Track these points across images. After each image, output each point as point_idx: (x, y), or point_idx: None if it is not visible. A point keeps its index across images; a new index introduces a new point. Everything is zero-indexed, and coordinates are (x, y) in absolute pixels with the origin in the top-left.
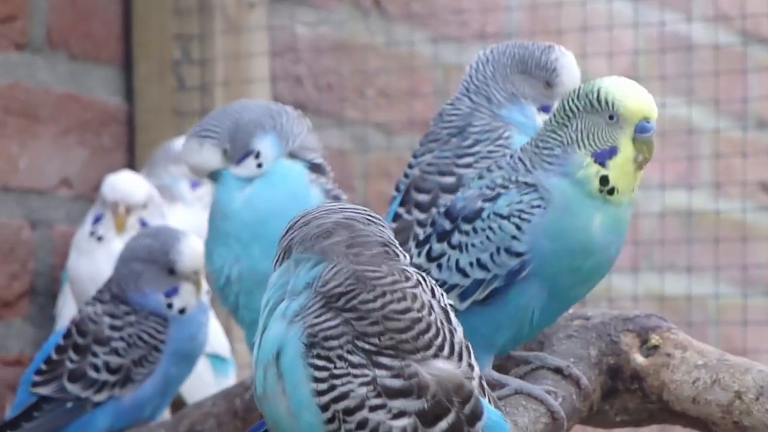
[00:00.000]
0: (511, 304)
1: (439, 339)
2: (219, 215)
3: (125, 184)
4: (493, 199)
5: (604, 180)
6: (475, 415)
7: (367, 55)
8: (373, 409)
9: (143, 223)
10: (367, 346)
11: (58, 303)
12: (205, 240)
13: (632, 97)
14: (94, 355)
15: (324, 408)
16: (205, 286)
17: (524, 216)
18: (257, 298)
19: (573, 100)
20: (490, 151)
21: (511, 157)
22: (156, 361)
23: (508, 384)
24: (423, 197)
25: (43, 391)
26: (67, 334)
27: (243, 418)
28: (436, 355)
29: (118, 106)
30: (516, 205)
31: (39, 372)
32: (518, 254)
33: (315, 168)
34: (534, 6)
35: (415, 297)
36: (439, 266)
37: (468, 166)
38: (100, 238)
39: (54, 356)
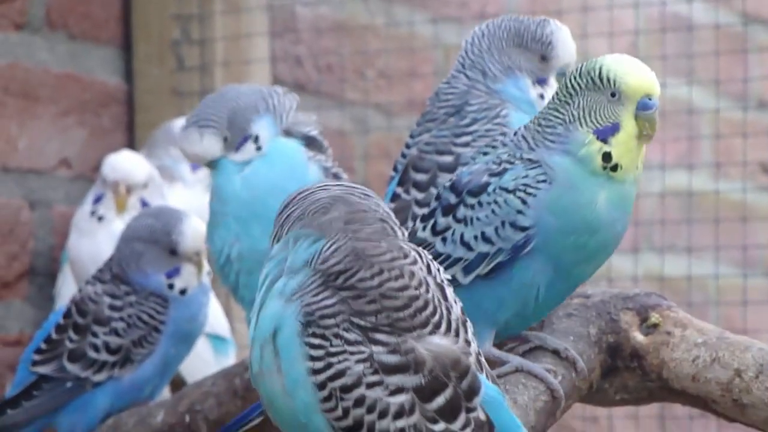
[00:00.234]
0: (515, 279)
1: (436, 317)
2: (218, 199)
3: (126, 163)
4: (499, 174)
5: (606, 157)
6: (473, 390)
7: (367, 36)
8: (370, 386)
9: (144, 203)
10: (363, 323)
11: (58, 283)
12: (207, 223)
13: (634, 74)
14: (94, 335)
15: (320, 386)
16: (206, 267)
17: (530, 190)
18: (257, 278)
19: (575, 78)
20: (487, 130)
21: (515, 134)
22: (156, 342)
23: (509, 361)
24: (421, 177)
25: (43, 370)
26: (67, 314)
27: (243, 397)
28: (432, 333)
29: (117, 87)
30: (522, 179)
31: (39, 351)
32: (523, 228)
33: (311, 143)
34: None
35: (412, 274)
36: (444, 240)
37: (466, 144)
38: (100, 218)
39: (54, 335)
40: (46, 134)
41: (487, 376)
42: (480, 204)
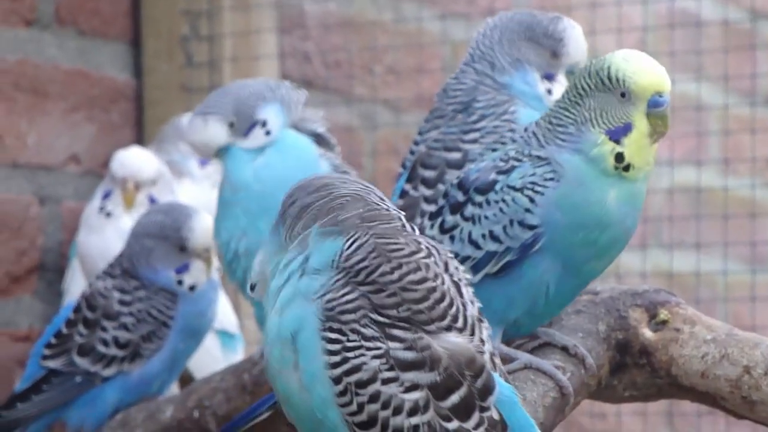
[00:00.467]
0: (524, 278)
1: (453, 309)
2: (229, 187)
3: (135, 160)
4: (506, 172)
5: (619, 157)
6: (487, 389)
7: (375, 32)
8: (385, 382)
9: (152, 200)
10: (381, 319)
11: (66, 278)
12: (214, 216)
13: (643, 72)
14: (104, 329)
15: (336, 381)
16: (215, 263)
17: (537, 188)
18: None
19: (584, 78)
20: (495, 127)
21: (525, 131)
22: (165, 337)
23: (518, 358)
24: (429, 173)
25: (53, 364)
26: (77, 309)
27: (251, 392)
28: (449, 327)
29: (126, 83)
30: (529, 177)
31: (49, 345)
32: (531, 227)
33: (320, 140)
34: None
35: (428, 267)
36: (452, 238)
37: (474, 141)
38: (108, 214)
39: (64, 330)
40: (55, 130)
41: (501, 375)
42: (488, 202)
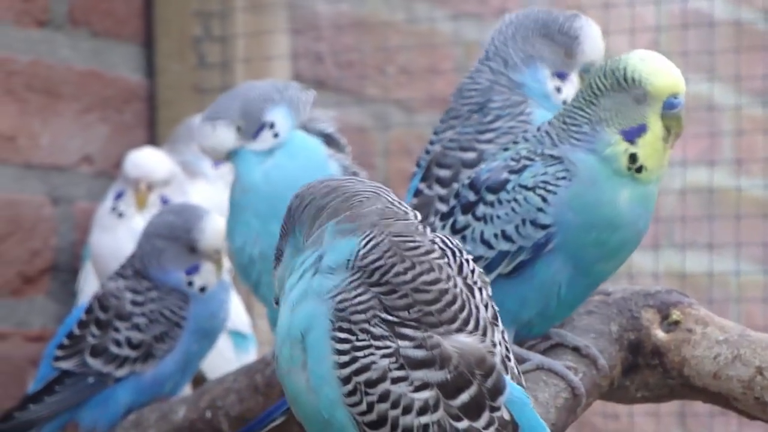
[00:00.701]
0: (537, 277)
1: (464, 313)
2: (239, 189)
3: (147, 160)
4: (518, 171)
5: (633, 158)
6: (497, 390)
7: (387, 33)
8: (395, 381)
9: (164, 200)
10: (391, 318)
11: (79, 279)
12: (227, 220)
13: (659, 74)
14: (116, 330)
15: (345, 380)
16: (226, 264)
17: (549, 188)
18: None
19: (600, 78)
20: (511, 127)
21: (538, 130)
22: (177, 338)
23: (530, 359)
24: (444, 173)
25: (65, 365)
26: (90, 310)
27: (264, 393)
28: (460, 329)
29: (139, 83)
30: (541, 176)
31: (61, 346)
32: (544, 226)
33: (329, 140)
34: None
35: (441, 268)
36: (464, 238)
37: (489, 141)
38: (121, 215)
39: (76, 331)
40: (68, 131)
41: (513, 378)
42: (499, 201)
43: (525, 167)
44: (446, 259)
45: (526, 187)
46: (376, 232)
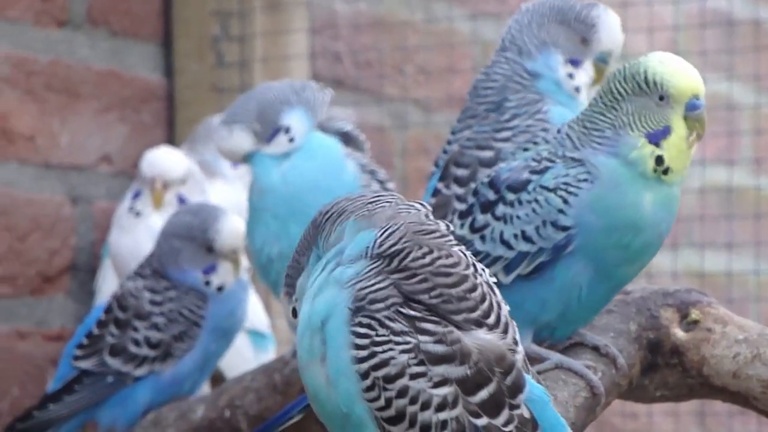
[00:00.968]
0: (557, 279)
1: (486, 304)
2: (257, 192)
3: (163, 159)
4: (540, 172)
5: (659, 160)
6: (517, 387)
7: (406, 32)
8: (413, 376)
9: (181, 199)
10: (411, 312)
11: (98, 278)
12: (246, 221)
13: (680, 76)
14: (135, 329)
15: (364, 375)
16: (244, 263)
17: (571, 189)
18: None
19: (620, 83)
20: (528, 126)
21: (559, 132)
22: (196, 337)
23: (549, 358)
24: (462, 172)
25: (85, 365)
26: (109, 309)
27: (282, 392)
28: (479, 322)
29: (157, 83)
30: (562, 178)
31: (80, 346)
32: (564, 228)
33: (347, 139)
34: None
35: (459, 255)
36: (483, 238)
37: (506, 140)
38: (138, 214)
39: (95, 331)
40: (87, 130)
41: (533, 377)
42: (520, 202)
43: (546, 168)
44: (461, 250)
45: (547, 188)
46: (393, 224)
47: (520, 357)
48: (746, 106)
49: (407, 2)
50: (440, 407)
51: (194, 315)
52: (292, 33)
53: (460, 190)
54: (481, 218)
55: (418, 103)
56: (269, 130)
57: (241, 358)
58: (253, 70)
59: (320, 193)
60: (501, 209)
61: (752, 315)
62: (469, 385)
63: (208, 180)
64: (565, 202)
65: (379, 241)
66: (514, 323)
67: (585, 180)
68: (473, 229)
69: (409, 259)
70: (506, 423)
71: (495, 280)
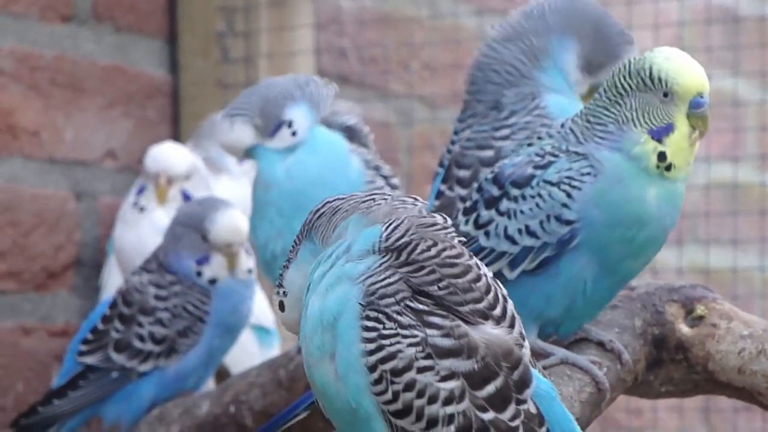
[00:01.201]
0: (562, 274)
1: (491, 295)
2: (261, 186)
3: (166, 155)
4: (543, 167)
5: (661, 156)
6: (524, 382)
7: (411, 28)
8: (421, 370)
9: (185, 195)
10: (419, 306)
11: (103, 274)
12: (249, 217)
13: (685, 73)
14: (140, 325)
15: (372, 368)
16: (243, 263)
17: (574, 184)
18: None
19: (625, 78)
20: (527, 122)
21: (563, 126)
22: (200, 332)
23: (554, 353)
24: (464, 173)
25: (89, 360)
26: (113, 304)
27: (287, 388)
28: (485, 315)
29: (162, 79)
30: (565, 172)
31: (85, 341)
32: (568, 222)
33: (352, 133)
34: None
35: (462, 246)
36: (487, 233)
37: (505, 138)
38: (142, 209)
39: (100, 326)
40: (92, 126)
41: (539, 372)
42: (524, 197)
43: (550, 163)
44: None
45: (550, 183)
46: (396, 217)
47: (527, 352)
48: (752, 102)
49: None
50: (447, 401)
51: (198, 310)
52: (297, 29)
53: (463, 192)
54: (485, 214)
55: (424, 99)
56: (272, 124)
57: (246, 354)
58: (258, 66)
59: (324, 188)
60: (505, 204)
61: (757, 311)
62: (476, 380)
63: (213, 176)
64: (569, 196)
65: (385, 235)
66: (519, 319)
67: (588, 174)
68: (477, 225)
69: (416, 252)
70: (513, 418)
71: (491, 274)
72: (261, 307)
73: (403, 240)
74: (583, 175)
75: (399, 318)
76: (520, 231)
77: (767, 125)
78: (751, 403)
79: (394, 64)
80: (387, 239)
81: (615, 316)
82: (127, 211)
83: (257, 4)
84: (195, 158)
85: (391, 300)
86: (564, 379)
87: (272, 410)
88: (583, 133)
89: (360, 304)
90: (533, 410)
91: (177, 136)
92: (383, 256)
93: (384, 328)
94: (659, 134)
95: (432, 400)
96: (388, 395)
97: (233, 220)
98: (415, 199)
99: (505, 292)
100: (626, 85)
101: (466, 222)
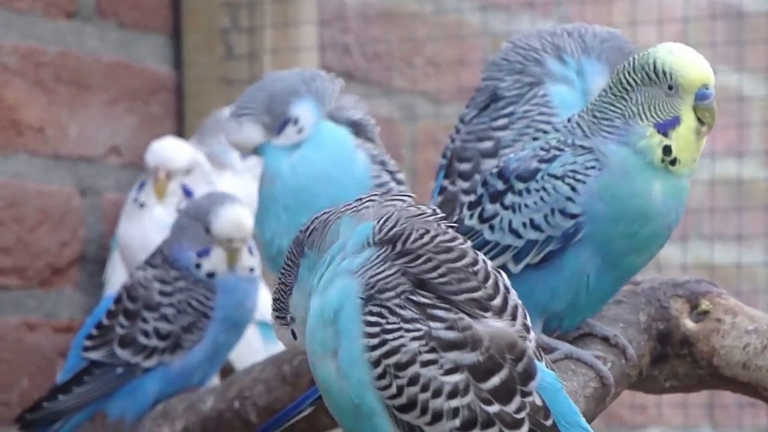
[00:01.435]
0: (566, 268)
1: (490, 282)
2: (267, 182)
3: (166, 149)
4: (548, 161)
5: (666, 150)
6: (528, 375)
7: (415, 24)
8: (424, 364)
9: (186, 190)
10: (422, 300)
11: (107, 270)
12: (255, 213)
13: (689, 65)
14: (144, 320)
15: (375, 363)
16: (245, 261)
17: (579, 177)
18: None
19: (629, 73)
20: (525, 111)
21: (569, 121)
22: (205, 328)
23: (558, 348)
24: (465, 166)
25: (94, 356)
26: (118, 300)
27: (292, 383)
28: (484, 305)
29: (167, 75)
30: (570, 165)
31: (90, 337)
32: (573, 215)
33: (358, 128)
34: None
35: (455, 233)
36: (491, 227)
37: (504, 128)
38: (142, 205)
39: (105, 321)
40: (96, 122)
41: (546, 365)
42: (528, 191)
43: (555, 157)
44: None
45: (555, 176)
46: (386, 212)
47: (531, 344)
48: (756, 98)
49: None
50: (451, 394)
51: (203, 306)
52: (301, 25)
53: (465, 185)
54: (489, 208)
55: (428, 95)
56: (278, 121)
57: (251, 350)
58: (262, 62)
59: (330, 183)
60: (510, 198)
61: (762, 307)
62: (480, 372)
63: (217, 172)
64: (573, 189)
65: (378, 228)
66: (525, 311)
67: (593, 167)
68: (482, 219)
69: (410, 241)
70: (518, 410)
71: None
72: (266, 303)
73: (395, 230)
74: (587, 168)
75: (401, 312)
76: (524, 224)
77: None
78: (756, 398)
79: (398, 60)
80: (380, 231)
81: (620, 311)
82: (129, 207)
83: (261, 0)
84: (196, 153)
85: (392, 294)
86: (568, 374)
87: (276, 406)
88: (589, 127)
89: (361, 298)
90: (539, 403)
91: (181, 132)
92: (379, 248)
93: (387, 323)
94: (665, 127)
95: (436, 393)
96: (393, 390)
97: (236, 215)
98: (405, 196)
99: (507, 281)
100: (631, 80)
101: (471, 216)
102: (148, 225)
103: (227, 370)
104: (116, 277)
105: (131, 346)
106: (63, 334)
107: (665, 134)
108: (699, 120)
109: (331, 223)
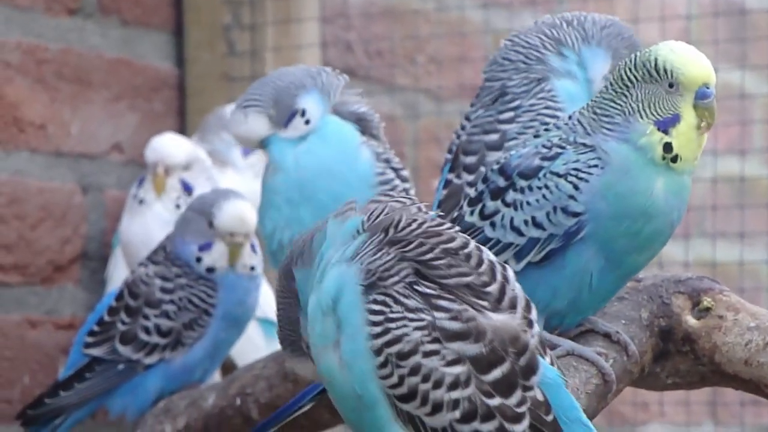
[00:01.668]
0: (568, 267)
1: (484, 266)
2: (271, 172)
3: (164, 145)
4: (551, 158)
5: (667, 147)
6: (531, 369)
7: (417, 21)
8: (426, 354)
9: (186, 186)
10: (427, 290)
11: (109, 267)
12: (258, 207)
13: (690, 64)
14: (146, 317)
15: (377, 352)
16: (246, 258)
17: (581, 175)
18: None
19: (630, 70)
20: (531, 105)
21: (570, 118)
22: (206, 325)
23: (560, 345)
24: (470, 159)
25: (96, 352)
26: (120, 296)
27: (293, 380)
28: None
29: (169, 72)
30: (573, 164)
31: (91, 333)
32: (575, 214)
33: (363, 123)
34: None
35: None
36: (493, 224)
37: (510, 121)
38: (141, 201)
39: (106, 318)
40: (98, 119)
41: (550, 361)
42: (530, 188)
43: (558, 154)
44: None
45: (557, 174)
46: (372, 206)
47: (534, 339)
48: (759, 95)
49: None
50: (452, 386)
51: (204, 303)
52: (303, 22)
53: (470, 177)
54: (491, 205)
55: (430, 92)
56: (285, 114)
57: (252, 346)
58: (264, 59)
59: (332, 178)
60: (511, 196)
61: (764, 304)
62: (482, 364)
63: (218, 169)
64: (576, 188)
65: (366, 218)
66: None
67: (596, 166)
68: (483, 216)
69: (400, 227)
70: (519, 404)
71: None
72: (267, 300)
73: (384, 217)
74: (590, 167)
75: (406, 301)
76: (526, 222)
77: None
78: (758, 395)
79: (400, 57)
80: (369, 220)
81: (622, 307)
82: (130, 204)
83: None
84: (196, 148)
85: (396, 279)
86: (570, 371)
87: (278, 402)
88: (590, 124)
89: (362, 285)
90: (540, 397)
91: (183, 129)
92: (371, 235)
93: (391, 311)
94: (665, 125)
95: (437, 384)
96: (394, 379)
97: (240, 209)
98: (393, 194)
99: (511, 274)
100: (632, 77)
101: (472, 213)
102: (149, 221)
103: (229, 367)
104: (118, 274)
105: (132, 342)
106: (65, 331)
107: (665, 132)
108: (699, 118)
109: (316, 233)
